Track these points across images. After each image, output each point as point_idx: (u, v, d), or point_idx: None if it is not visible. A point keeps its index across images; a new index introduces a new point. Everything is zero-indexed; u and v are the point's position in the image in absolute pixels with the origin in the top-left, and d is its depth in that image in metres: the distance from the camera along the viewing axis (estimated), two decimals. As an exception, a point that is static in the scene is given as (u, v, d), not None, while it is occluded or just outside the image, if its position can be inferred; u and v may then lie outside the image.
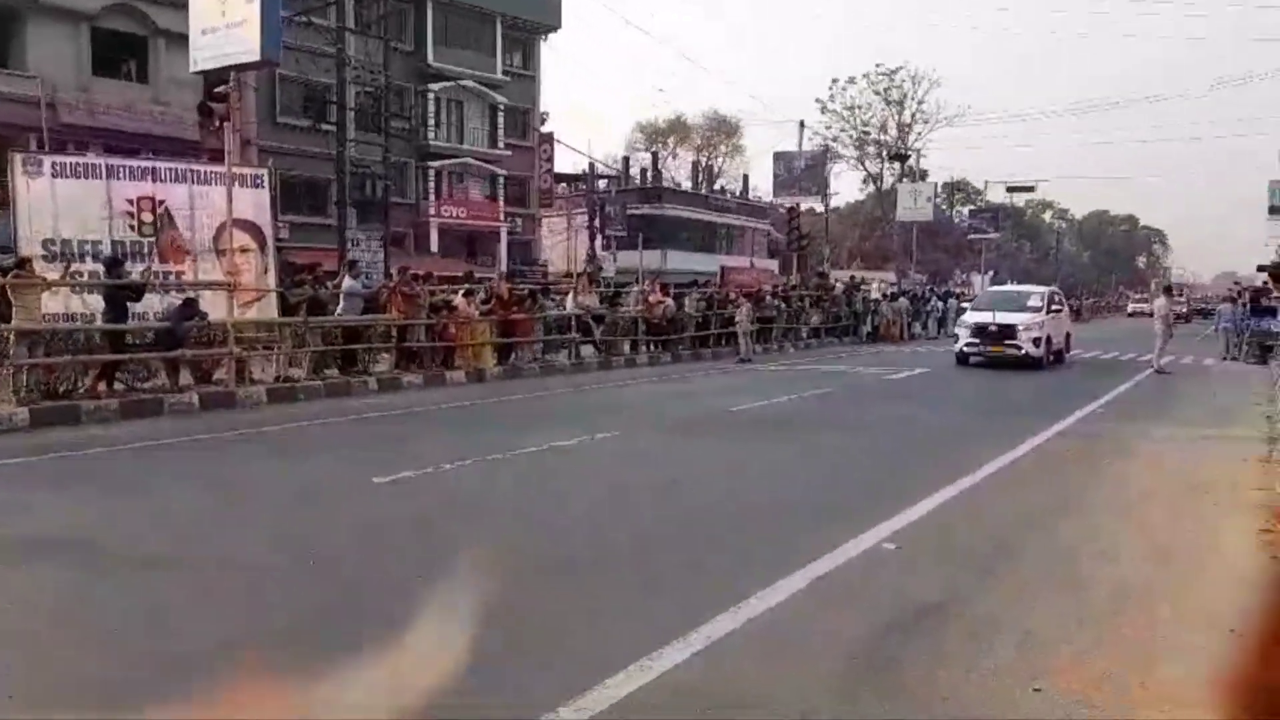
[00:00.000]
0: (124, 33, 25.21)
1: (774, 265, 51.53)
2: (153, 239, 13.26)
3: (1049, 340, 18.57)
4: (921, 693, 3.54)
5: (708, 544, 5.72)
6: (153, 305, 12.75)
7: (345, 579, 4.99)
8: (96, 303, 12.19)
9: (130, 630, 4.23)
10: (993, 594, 4.71)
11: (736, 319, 21.54)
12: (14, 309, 10.96)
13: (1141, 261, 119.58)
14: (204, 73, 13.47)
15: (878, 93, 61.25)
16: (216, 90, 13.74)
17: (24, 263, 11.61)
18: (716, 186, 57.52)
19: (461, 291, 17.08)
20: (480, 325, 16.61)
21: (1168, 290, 22.54)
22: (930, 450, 9.32)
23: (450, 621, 4.05)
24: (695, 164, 61.00)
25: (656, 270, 34.31)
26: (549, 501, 7.03)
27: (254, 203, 14.06)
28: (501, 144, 37.56)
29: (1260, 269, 32.99)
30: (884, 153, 61.54)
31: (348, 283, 15.14)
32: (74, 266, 12.49)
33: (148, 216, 13.24)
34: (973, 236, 60.05)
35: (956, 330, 19.91)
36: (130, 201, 13.11)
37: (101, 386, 11.47)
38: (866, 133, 62.40)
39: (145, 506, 6.65)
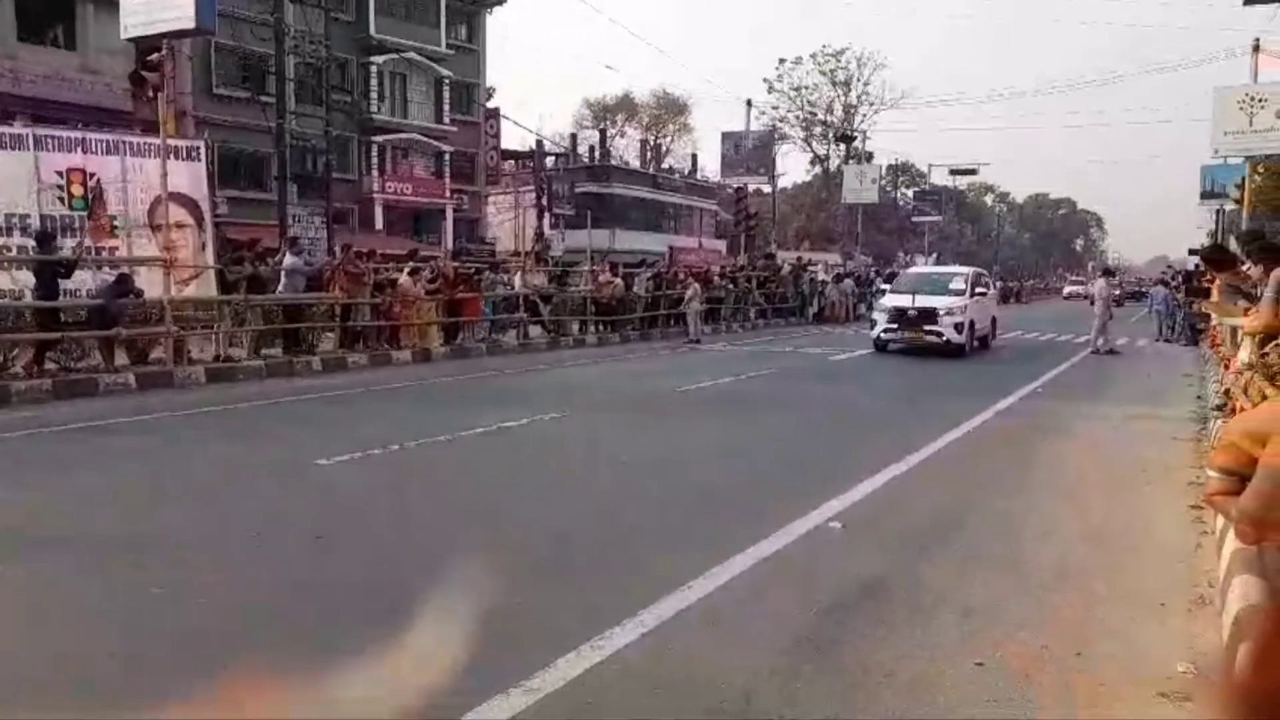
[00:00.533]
0: (51, -3, 24.22)
1: (722, 246, 51.73)
2: (84, 213, 12.81)
3: (972, 325, 17.47)
4: (864, 670, 3.59)
5: (656, 524, 5.74)
6: (85, 282, 12.36)
7: (284, 564, 4.91)
8: (26, 279, 11.76)
9: (61, 618, 4.12)
10: (934, 572, 4.80)
11: (686, 299, 21.59)
12: (-64, 285, 10.54)
13: (1079, 244, 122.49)
14: (136, 40, 13.06)
15: (824, 73, 61.73)
16: (149, 59, 13.35)
17: (-54, 237, 11.16)
18: (665, 166, 57.46)
19: (406, 270, 16.84)
20: (426, 304, 16.41)
21: (1107, 272, 22.92)
22: (873, 430, 9.46)
23: (394, 606, 4.01)
24: (644, 142, 60.84)
25: (605, 250, 34.20)
26: (496, 483, 6.99)
27: (190, 176, 13.66)
28: (447, 119, 37.03)
29: (1192, 252, 33.98)
30: (830, 134, 62.00)
31: (289, 260, 14.82)
32: (2, 241, 12.03)
33: (78, 189, 12.78)
34: (916, 219, 61.01)
35: (874, 315, 18.67)
36: (60, 174, 12.65)
37: (35, 366, 11.10)
38: (813, 113, 62.90)
39: (78, 490, 6.47)
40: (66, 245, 12.17)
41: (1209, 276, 10.67)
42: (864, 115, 62.60)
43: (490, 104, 39.97)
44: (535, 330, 19.15)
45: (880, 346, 17.59)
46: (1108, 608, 4.34)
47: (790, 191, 67.65)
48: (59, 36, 24.90)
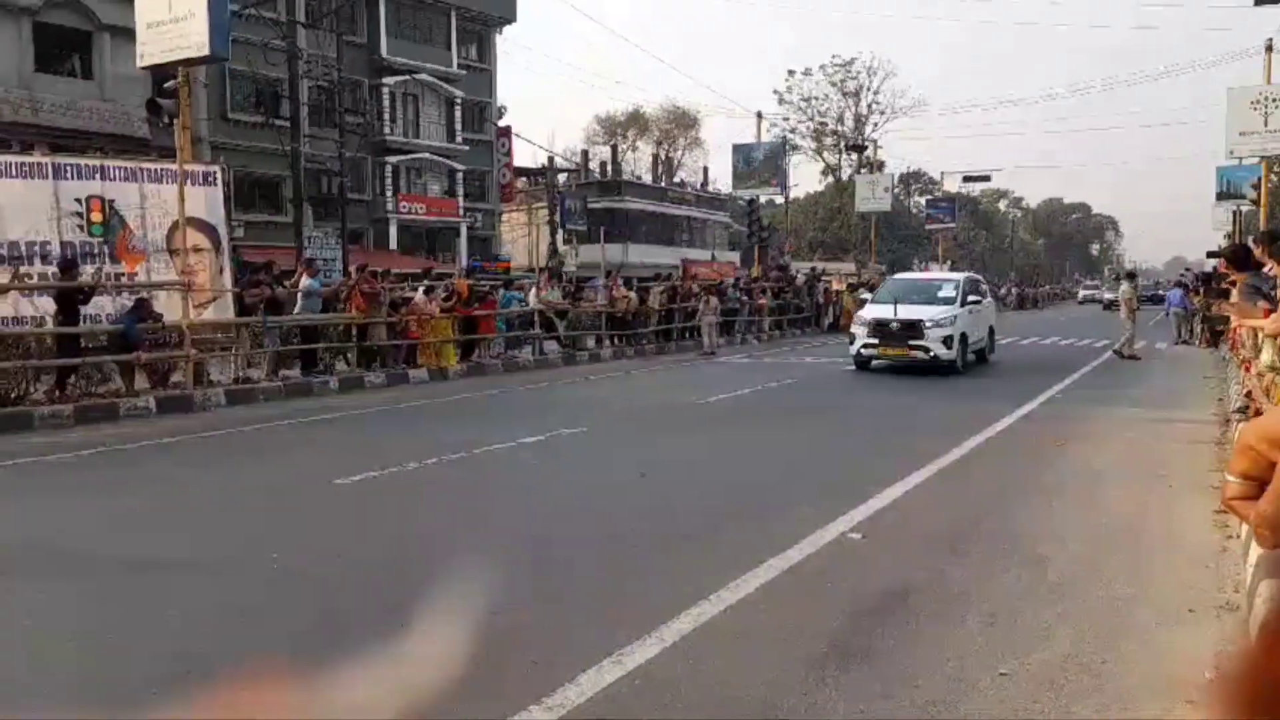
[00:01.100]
0: (67, 28, 24.57)
1: (735, 257, 51.72)
2: (103, 239, 12.95)
3: (964, 338, 15.43)
4: (890, 680, 3.57)
5: (677, 538, 5.72)
6: (104, 307, 12.48)
7: (307, 582, 4.93)
8: (47, 306, 11.89)
9: (90, 637, 4.14)
10: (957, 580, 4.77)
11: (700, 312, 21.59)
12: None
13: (1095, 249, 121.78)
14: (151, 68, 13.20)
15: (834, 84, 61.74)
16: (165, 86, 13.50)
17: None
18: (676, 179, 57.57)
19: (422, 288, 16.93)
20: (442, 323, 16.48)
21: (1130, 275, 22.60)
22: (891, 440, 9.41)
23: (416, 623, 4.01)
24: (655, 157, 61.00)
25: (618, 264, 34.26)
26: (515, 499, 7.00)
27: (207, 201, 13.79)
28: (459, 138, 37.25)
29: (1210, 254, 33.71)
30: (841, 144, 61.98)
31: (306, 281, 14.93)
32: (23, 269, 12.18)
33: (97, 216, 12.93)
34: (930, 226, 60.73)
35: (853, 329, 16.19)
36: (79, 201, 12.80)
37: (57, 392, 11.22)
38: (824, 124, 62.88)
39: (98, 513, 6.51)
40: (86, 271, 12.30)
41: (1229, 278, 10.58)
42: (875, 124, 62.63)
43: (502, 122, 40.21)
44: (551, 346, 19.19)
45: (861, 364, 15.68)
46: (1133, 613, 4.30)
47: (802, 202, 67.62)
48: (76, 67, 25.26)
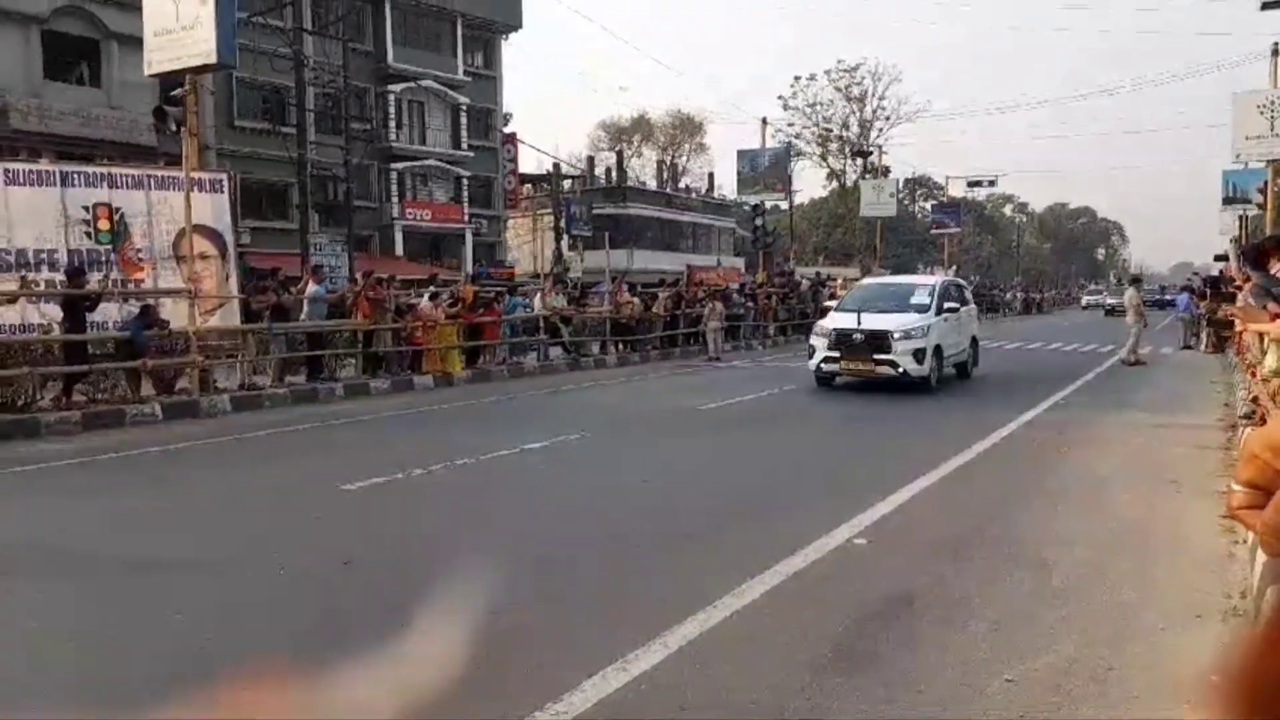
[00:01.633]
0: (75, 36, 24.72)
1: (740, 263, 51.74)
2: (110, 246, 13.01)
3: (939, 351, 13.71)
4: (896, 686, 3.56)
5: (682, 544, 5.73)
6: (111, 314, 12.53)
7: (314, 587, 4.94)
8: (54, 313, 11.95)
9: (90, 638, 4.16)
10: (962, 585, 4.76)
11: (705, 317, 21.59)
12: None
13: (1100, 253, 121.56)
14: (158, 76, 13.28)
15: (839, 89, 61.75)
16: (172, 94, 13.56)
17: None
18: (681, 185, 57.63)
19: (427, 294, 16.97)
20: (447, 329, 16.51)
21: (1136, 280, 22.50)
22: (894, 445, 9.40)
23: (423, 627, 4.02)
24: (660, 162, 61.09)
25: (623, 270, 34.29)
26: (520, 505, 7.01)
27: (214, 208, 13.85)
28: (464, 144, 37.34)
29: (1217, 258, 33.63)
30: (846, 149, 61.99)
31: (312, 288, 14.98)
32: (30, 276, 12.23)
33: (104, 224, 12.99)
34: (935, 231, 60.69)
35: (812, 340, 14.38)
36: (86, 209, 12.85)
37: (64, 399, 11.26)
38: (829, 129, 62.86)
39: (105, 519, 6.54)
40: (93, 279, 12.36)
41: (1237, 282, 10.56)
42: (879, 129, 62.62)
43: (507, 129, 40.30)
44: (556, 352, 19.21)
45: (823, 380, 13.95)
46: (1139, 618, 4.29)
47: (807, 207, 67.64)
48: (84, 75, 25.40)
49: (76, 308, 11.65)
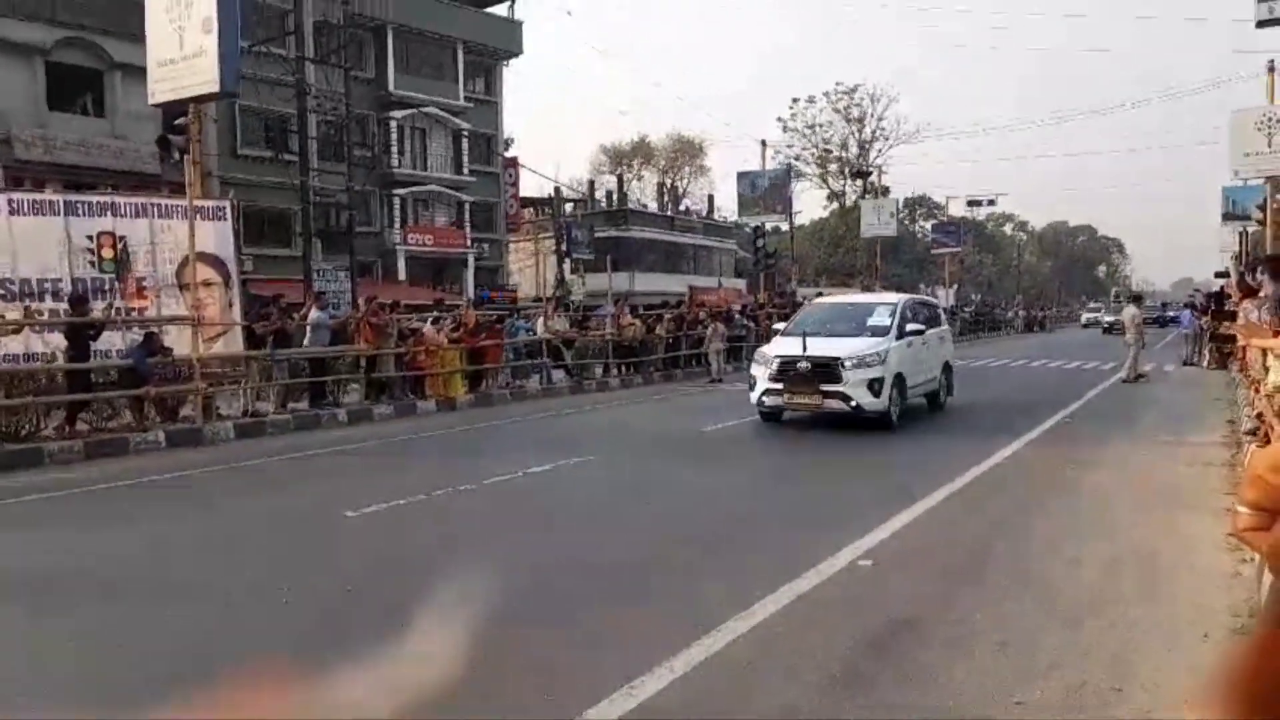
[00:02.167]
0: (79, 67, 24.95)
1: (741, 284, 51.81)
2: (114, 275, 13.06)
3: (901, 381, 11.93)
4: (902, 709, 3.54)
5: (686, 568, 5.71)
6: (114, 343, 12.56)
7: (318, 615, 4.92)
8: (58, 342, 11.98)
9: (97, 669, 4.14)
10: (968, 605, 4.74)
11: (707, 339, 21.61)
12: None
13: (1101, 271, 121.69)
14: (162, 105, 13.39)
15: (838, 110, 62.05)
16: (176, 123, 13.67)
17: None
18: (682, 207, 57.85)
19: (431, 319, 17.00)
20: (450, 353, 16.53)
21: (1136, 298, 22.47)
22: (901, 465, 9.38)
23: (429, 655, 4.00)
24: (660, 185, 61.36)
25: (625, 292, 34.38)
26: (525, 530, 6.99)
27: (217, 236, 13.90)
28: (466, 170, 37.54)
29: (1217, 275, 33.66)
30: (846, 170, 62.24)
31: (314, 314, 15.02)
32: (34, 306, 12.28)
33: (108, 253, 13.04)
34: (936, 251, 60.81)
35: (753, 369, 12.57)
36: (90, 238, 12.91)
37: (67, 427, 11.27)
38: (828, 150, 63.13)
39: (108, 548, 6.52)
40: (97, 307, 12.40)
41: (1234, 299, 10.56)
42: (879, 150, 62.89)
43: (508, 154, 40.53)
44: (558, 375, 19.22)
45: (768, 415, 12.29)
46: (1147, 638, 4.26)
47: (808, 228, 67.83)
48: (88, 104, 25.61)
49: (80, 336, 11.68)
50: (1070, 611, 4.64)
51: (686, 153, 65.31)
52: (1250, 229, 33.05)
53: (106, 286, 12.99)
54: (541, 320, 19.97)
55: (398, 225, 35.25)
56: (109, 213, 13.23)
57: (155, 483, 9.08)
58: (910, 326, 12.48)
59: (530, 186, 45.17)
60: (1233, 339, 16.83)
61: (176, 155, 13.91)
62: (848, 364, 11.46)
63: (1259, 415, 8.79)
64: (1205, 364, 21.48)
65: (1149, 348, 20.10)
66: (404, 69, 35.23)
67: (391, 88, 34.57)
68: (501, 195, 39.71)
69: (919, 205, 74.39)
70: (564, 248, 37.66)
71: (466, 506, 7.69)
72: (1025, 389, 17.47)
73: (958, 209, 63.57)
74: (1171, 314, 41.96)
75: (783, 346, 12.29)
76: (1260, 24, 22.98)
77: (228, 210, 14.56)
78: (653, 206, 55.24)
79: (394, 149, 35.11)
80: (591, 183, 55.43)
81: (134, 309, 13.20)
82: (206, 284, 13.33)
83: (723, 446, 10.90)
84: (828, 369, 11.49)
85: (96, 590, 5.46)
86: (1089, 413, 13.52)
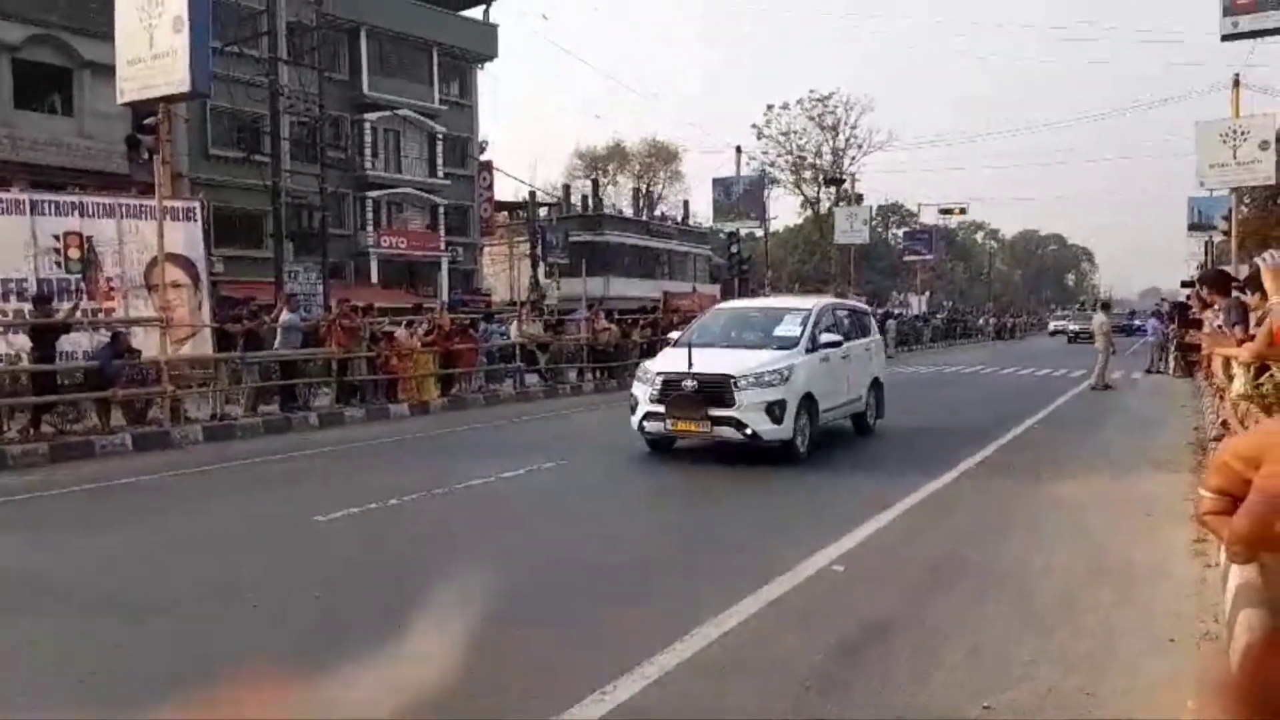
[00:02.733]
0: (47, 64, 24.56)
1: (716, 290, 51.91)
2: (80, 275, 12.88)
3: (810, 403, 9.86)
4: (874, 713, 3.55)
5: (659, 572, 5.70)
6: (81, 344, 12.38)
7: (287, 621, 4.87)
8: (22, 343, 11.78)
9: (58, 677, 4.06)
10: (939, 612, 4.77)
11: (680, 344, 21.59)
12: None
13: (1070, 279, 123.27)
14: (132, 104, 13.22)
15: (812, 118, 62.42)
16: (145, 122, 13.51)
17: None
18: (657, 213, 57.96)
19: (404, 323, 16.90)
20: (423, 356, 16.43)
21: (1105, 306, 22.68)
22: (875, 468, 9.42)
23: (397, 663, 3.97)
24: (635, 190, 61.39)
25: (599, 297, 34.35)
26: (497, 535, 6.95)
27: (186, 236, 13.76)
28: (440, 173, 37.38)
29: (1184, 284, 34.17)
30: (820, 177, 62.60)
31: (286, 316, 14.87)
32: (-2, 306, 12.08)
33: (75, 253, 12.87)
34: (908, 258, 61.35)
35: (634, 389, 10.42)
36: (57, 238, 12.74)
37: (31, 430, 11.08)
38: (802, 158, 63.49)
39: (75, 552, 6.41)
40: (63, 308, 12.21)
41: (1194, 309, 10.76)
42: (852, 158, 63.31)
43: (483, 157, 40.40)
44: (532, 379, 19.16)
45: (656, 444, 10.28)
46: (1115, 644, 4.31)
47: (782, 234, 68.18)
48: (56, 103, 25.23)
49: (45, 337, 11.50)
50: (1041, 618, 4.68)
51: (661, 158, 65.43)
52: (1215, 239, 33.62)
53: (73, 287, 12.83)
54: (515, 324, 19.91)
55: (371, 227, 35.02)
56: (76, 212, 13.07)
57: (121, 486, 8.94)
58: (826, 337, 10.49)
59: (505, 190, 45.06)
60: (1198, 348, 17.10)
61: (146, 155, 13.75)
62: (742, 383, 9.41)
63: (1224, 423, 8.93)
64: (1171, 372, 21.79)
65: (1118, 355, 20.32)
66: (379, 71, 35.05)
67: (366, 89, 34.37)
68: (476, 198, 39.57)
69: (892, 213, 75.05)
70: (539, 252, 37.59)
71: (439, 511, 7.63)
72: (993, 399, 17.61)
73: (930, 217, 64.24)
74: (1137, 323, 42.50)
75: (667, 361, 10.28)
76: (1225, 38, 23.40)
77: (197, 211, 14.42)
78: (628, 211, 55.28)
79: (368, 151, 34.90)
80: (567, 187, 55.40)
81: (101, 310, 13.02)
82: (175, 285, 13.19)
83: (695, 452, 10.88)
84: (718, 389, 9.43)
85: (57, 597, 5.36)
86: (1056, 419, 13.66)
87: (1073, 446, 10.72)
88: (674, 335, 12.25)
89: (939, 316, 51.73)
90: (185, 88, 12.41)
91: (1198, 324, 15.94)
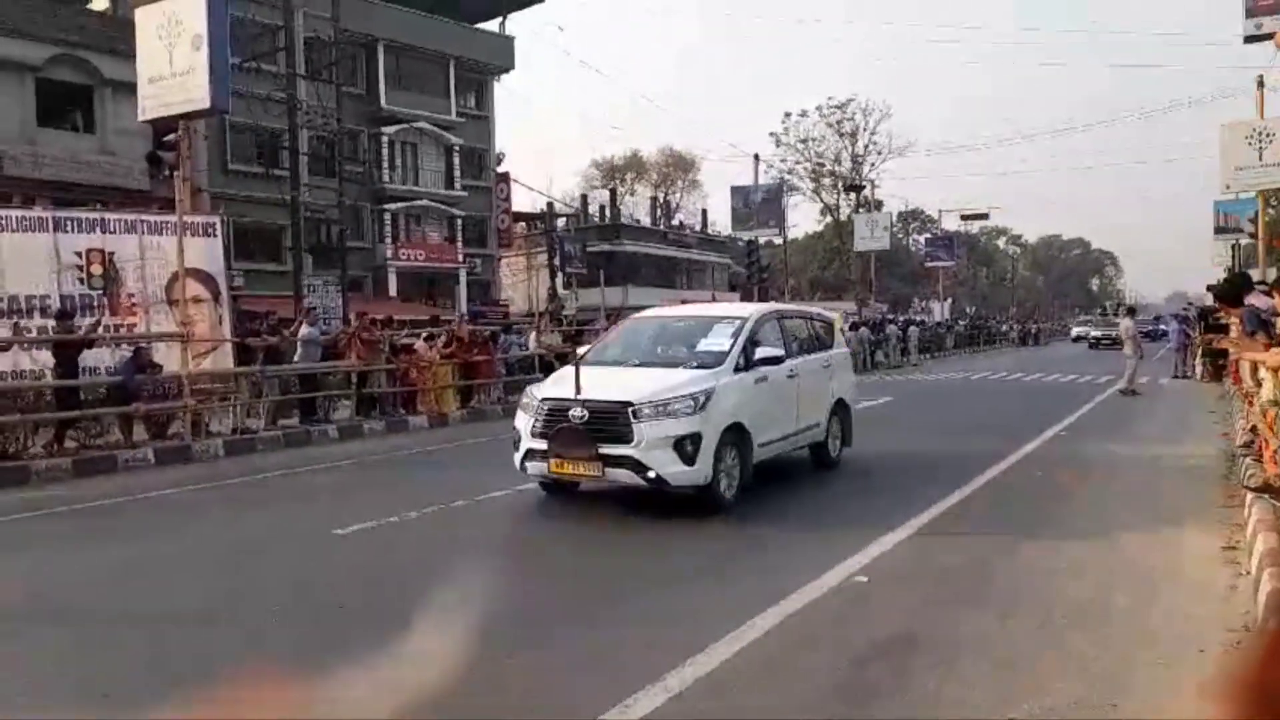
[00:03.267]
0: (70, 83, 24.91)
1: (735, 298, 51.86)
2: (102, 291, 13.00)
3: (741, 435, 7.81)
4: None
5: (677, 584, 5.65)
6: (103, 359, 12.48)
7: (306, 635, 4.85)
8: (46, 359, 11.90)
9: (78, 690, 4.06)
10: (965, 623, 4.69)
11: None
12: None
13: (1095, 284, 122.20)
14: (152, 121, 13.33)
15: (830, 125, 62.23)
16: (166, 139, 13.60)
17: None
18: (675, 222, 57.95)
19: (423, 335, 16.94)
20: (441, 369, 16.46)
21: (1131, 311, 22.45)
22: (893, 480, 9.32)
23: (418, 677, 3.94)
24: (653, 200, 61.43)
25: (618, 306, 34.35)
26: (517, 548, 6.92)
27: (206, 251, 13.85)
28: (458, 185, 37.56)
29: (1209, 289, 33.79)
30: (839, 184, 62.39)
31: (305, 330, 14.94)
32: (23, 323, 12.20)
33: (97, 269, 12.98)
34: (930, 264, 60.98)
35: (516, 420, 8.19)
36: (79, 254, 12.86)
37: (55, 445, 11.17)
38: (821, 164, 63.29)
39: (99, 566, 6.43)
40: (85, 324, 12.33)
41: (1219, 314, 10.61)
42: (872, 164, 63.06)
43: (500, 168, 40.58)
44: (551, 390, 19.11)
45: (550, 486, 8.31)
46: (1143, 654, 4.22)
47: (802, 242, 67.97)
48: (78, 121, 25.57)
49: (68, 352, 11.60)
50: (1067, 627, 4.59)
51: (679, 167, 65.50)
52: (1242, 242, 33.19)
53: (95, 303, 12.94)
54: (534, 335, 19.92)
55: (389, 240, 35.22)
56: (98, 229, 13.19)
57: (143, 500, 8.99)
58: (764, 352, 8.30)
59: (523, 201, 45.32)
60: (1225, 353, 16.88)
61: (166, 171, 13.84)
62: (642, 413, 7.27)
63: (1253, 429, 8.77)
64: (1198, 376, 21.50)
65: (1145, 359, 20.07)
66: (396, 84, 35.31)
67: (383, 103, 34.63)
68: (494, 210, 39.73)
69: (912, 219, 74.65)
70: (556, 262, 37.68)
71: (457, 523, 7.60)
72: (1025, 398, 17.43)
73: (951, 223, 63.85)
74: (1162, 328, 41.95)
75: (549, 388, 8.14)
76: (1248, 39, 23.16)
77: (217, 226, 14.53)
78: (646, 221, 55.32)
79: (385, 164, 35.13)
80: (584, 197, 55.52)
81: (123, 325, 13.13)
82: (196, 300, 13.26)
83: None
84: (611, 420, 7.35)
85: (82, 610, 5.37)
86: (1085, 425, 13.48)
87: (1101, 452, 10.56)
88: (582, 350, 9.47)
89: (962, 323, 51.36)
90: (205, 104, 12.48)
91: (1224, 328, 15.73)
